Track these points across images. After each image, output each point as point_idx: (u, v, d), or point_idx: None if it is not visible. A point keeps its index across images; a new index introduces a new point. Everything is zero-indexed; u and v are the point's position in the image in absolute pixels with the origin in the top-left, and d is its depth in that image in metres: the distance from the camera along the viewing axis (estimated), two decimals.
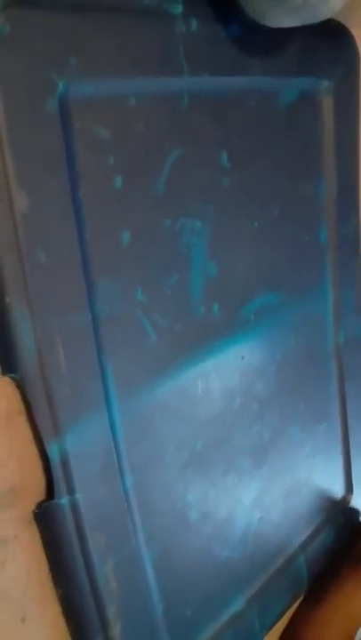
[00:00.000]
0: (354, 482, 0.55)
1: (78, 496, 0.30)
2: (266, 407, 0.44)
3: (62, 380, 0.29)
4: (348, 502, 0.55)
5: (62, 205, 0.27)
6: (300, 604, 0.50)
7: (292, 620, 0.50)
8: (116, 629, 0.32)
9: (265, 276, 0.43)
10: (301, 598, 0.50)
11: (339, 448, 0.53)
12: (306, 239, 0.47)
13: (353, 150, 0.50)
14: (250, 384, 0.43)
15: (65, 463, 0.30)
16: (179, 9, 0.31)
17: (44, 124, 0.26)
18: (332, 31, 0.44)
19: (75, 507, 0.30)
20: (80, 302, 0.29)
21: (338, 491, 0.54)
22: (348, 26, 0.45)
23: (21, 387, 0.28)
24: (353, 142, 0.49)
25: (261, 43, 0.37)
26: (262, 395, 0.44)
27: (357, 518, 0.56)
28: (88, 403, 0.31)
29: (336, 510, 0.54)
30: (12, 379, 0.28)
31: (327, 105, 0.45)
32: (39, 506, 0.30)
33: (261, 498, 0.45)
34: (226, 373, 0.41)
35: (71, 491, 0.30)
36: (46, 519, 0.30)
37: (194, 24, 0.32)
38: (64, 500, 0.30)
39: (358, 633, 0.48)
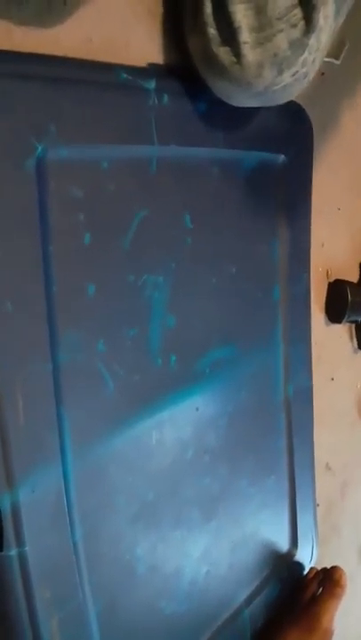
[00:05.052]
0: (299, 536, 0.56)
1: (27, 548, 0.30)
2: (217, 459, 0.45)
3: (19, 430, 0.29)
4: (293, 556, 0.56)
5: (33, 258, 0.28)
6: None
7: None
8: None
9: (221, 330, 0.45)
10: None
11: (286, 502, 0.54)
12: (260, 296, 0.50)
13: (305, 216, 0.53)
14: (202, 435, 0.44)
15: (16, 515, 0.29)
16: (152, 84, 0.34)
17: (21, 183, 0.27)
18: (289, 111, 0.48)
19: (23, 559, 0.30)
20: (43, 353, 0.30)
21: (283, 545, 0.55)
22: (303, 105, 0.50)
23: None
24: (305, 209, 0.53)
25: (226, 118, 0.40)
26: (214, 446, 0.45)
27: (302, 572, 0.57)
28: (43, 453, 0.31)
29: (281, 564, 0.54)
30: None
31: (283, 176, 0.49)
32: None
33: (209, 551, 0.45)
34: (180, 424, 0.41)
35: (20, 543, 0.29)
36: None
37: (165, 99, 0.35)
38: (12, 552, 0.29)
39: None
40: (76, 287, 0.31)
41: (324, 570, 0.54)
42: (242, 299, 0.47)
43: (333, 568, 0.53)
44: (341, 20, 0.35)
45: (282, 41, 0.32)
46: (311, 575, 0.55)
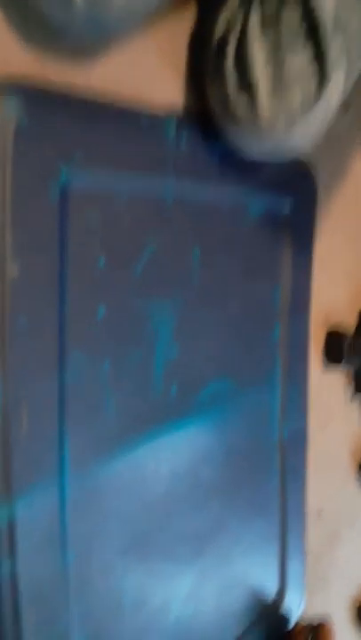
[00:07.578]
0: (287, 584, 0.54)
1: (19, 565, 0.29)
2: (209, 495, 0.45)
3: (23, 444, 0.29)
4: (280, 606, 0.54)
5: (49, 278, 0.30)
6: None
7: None
8: None
9: (221, 365, 0.46)
10: None
11: (275, 546, 0.53)
12: (261, 335, 0.51)
13: (307, 264, 0.55)
14: (197, 469, 0.44)
15: (11, 529, 0.29)
16: (172, 132, 0.36)
17: (45, 205, 0.29)
18: (294, 166, 0.51)
19: (14, 576, 0.29)
20: (51, 370, 0.30)
21: (271, 592, 0.54)
22: (309, 159, 0.53)
23: None
24: (307, 256, 0.55)
25: (237, 167, 0.43)
26: (207, 481, 0.45)
27: (287, 624, 0.55)
28: (43, 471, 0.31)
29: (267, 614, 0.53)
30: None
31: (287, 223, 0.51)
32: None
33: (196, 591, 0.44)
34: (176, 455, 0.42)
35: (13, 558, 0.29)
36: None
37: (183, 144, 0.37)
38: (4, 569, 0.29)
39: None
40: (87, 307, 0.33)
41: (312, 625, 0.53)
42: (243, 336, 0.48)
43: (323, 625, 0.51)
44: (351, 82, 0.38)
45: (296, 96, 0.35)
46: (298, 629, 0.54)
